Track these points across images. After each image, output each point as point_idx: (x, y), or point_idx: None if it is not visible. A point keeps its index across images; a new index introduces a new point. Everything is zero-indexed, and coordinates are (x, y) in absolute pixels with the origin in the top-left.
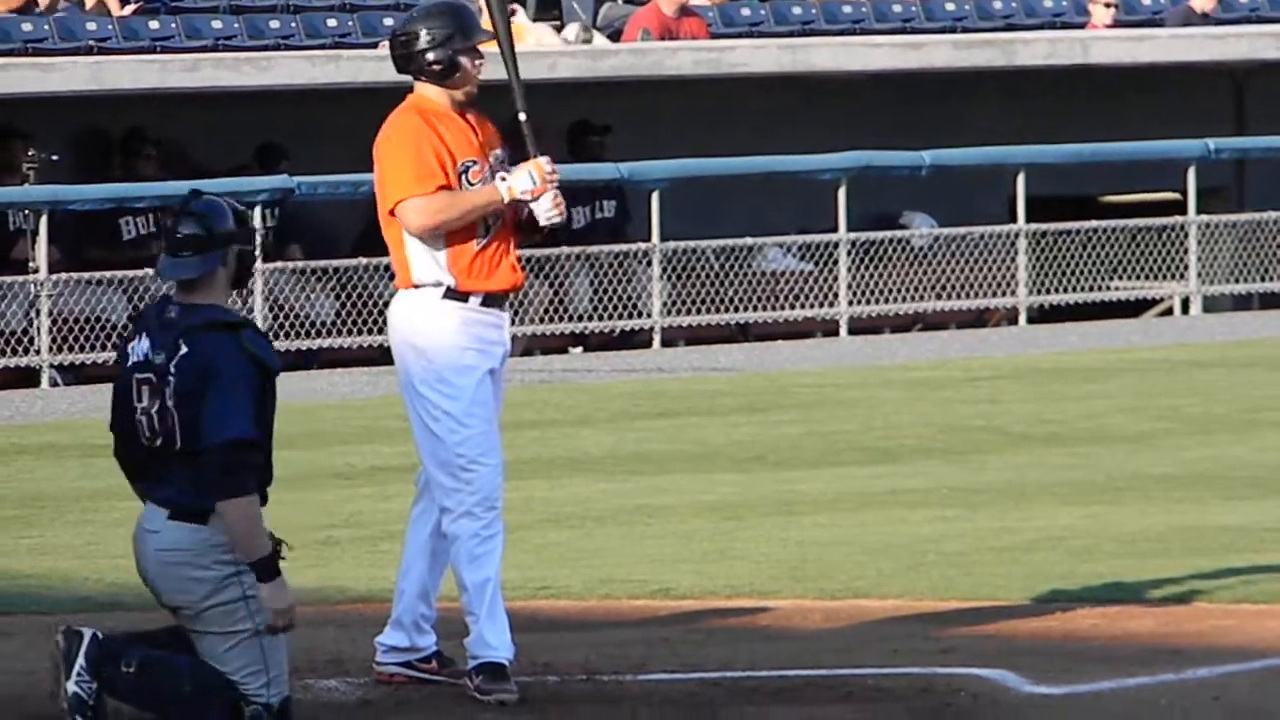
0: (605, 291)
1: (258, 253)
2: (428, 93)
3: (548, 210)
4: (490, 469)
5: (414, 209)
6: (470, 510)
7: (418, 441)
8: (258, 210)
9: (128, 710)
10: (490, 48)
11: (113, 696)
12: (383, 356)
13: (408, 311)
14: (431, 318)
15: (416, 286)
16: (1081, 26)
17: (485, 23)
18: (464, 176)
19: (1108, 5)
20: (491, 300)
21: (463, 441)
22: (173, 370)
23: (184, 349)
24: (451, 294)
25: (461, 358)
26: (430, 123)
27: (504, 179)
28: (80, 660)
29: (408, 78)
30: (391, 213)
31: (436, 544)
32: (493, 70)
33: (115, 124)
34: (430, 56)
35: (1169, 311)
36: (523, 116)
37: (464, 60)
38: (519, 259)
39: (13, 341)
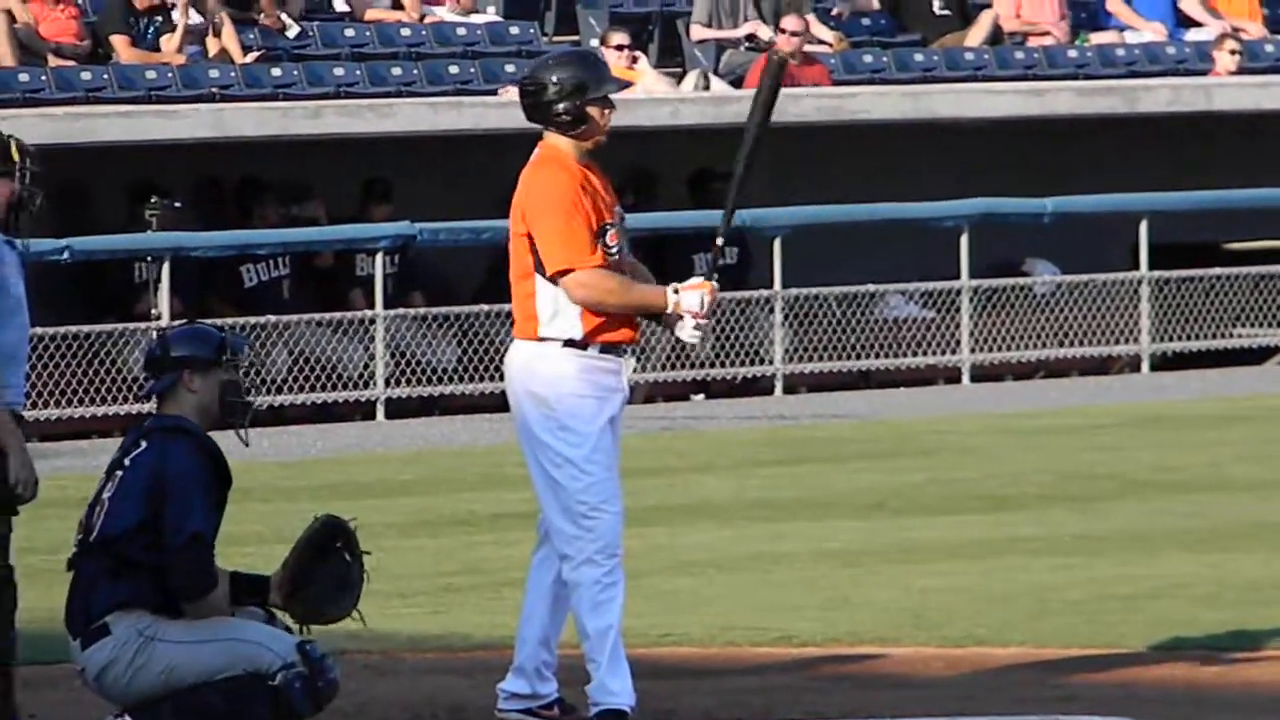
0: (727, 338)
1: (248, 390)
2: (558, 143)
3: (693, 333)
4: (612, 516)
5: (581, 283)
6: (591, 557)
7: (538, 489)
8: (379, 257)
9: None
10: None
11: None
12: (504, 403)
13: (526, 359)
14: (551, 364)
15: (541, 339)
16: (1205, 73)
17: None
18: (602, 239)
19: (1233, 52)
20: (610, 348)
21: (584, 489)
22: (127, 463)
23: (142, 445)
24: (572, 343)
25: (582, 405)
26: (575, 180)
27: (676, 290)
28: None
29: (536, 126)
30: (555, 276)
31: (558, 590)
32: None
33: (235, 171)
34: (560, 107)
35: None
36: (720, 242)
37: (593, 111)
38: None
39: (136, 388)
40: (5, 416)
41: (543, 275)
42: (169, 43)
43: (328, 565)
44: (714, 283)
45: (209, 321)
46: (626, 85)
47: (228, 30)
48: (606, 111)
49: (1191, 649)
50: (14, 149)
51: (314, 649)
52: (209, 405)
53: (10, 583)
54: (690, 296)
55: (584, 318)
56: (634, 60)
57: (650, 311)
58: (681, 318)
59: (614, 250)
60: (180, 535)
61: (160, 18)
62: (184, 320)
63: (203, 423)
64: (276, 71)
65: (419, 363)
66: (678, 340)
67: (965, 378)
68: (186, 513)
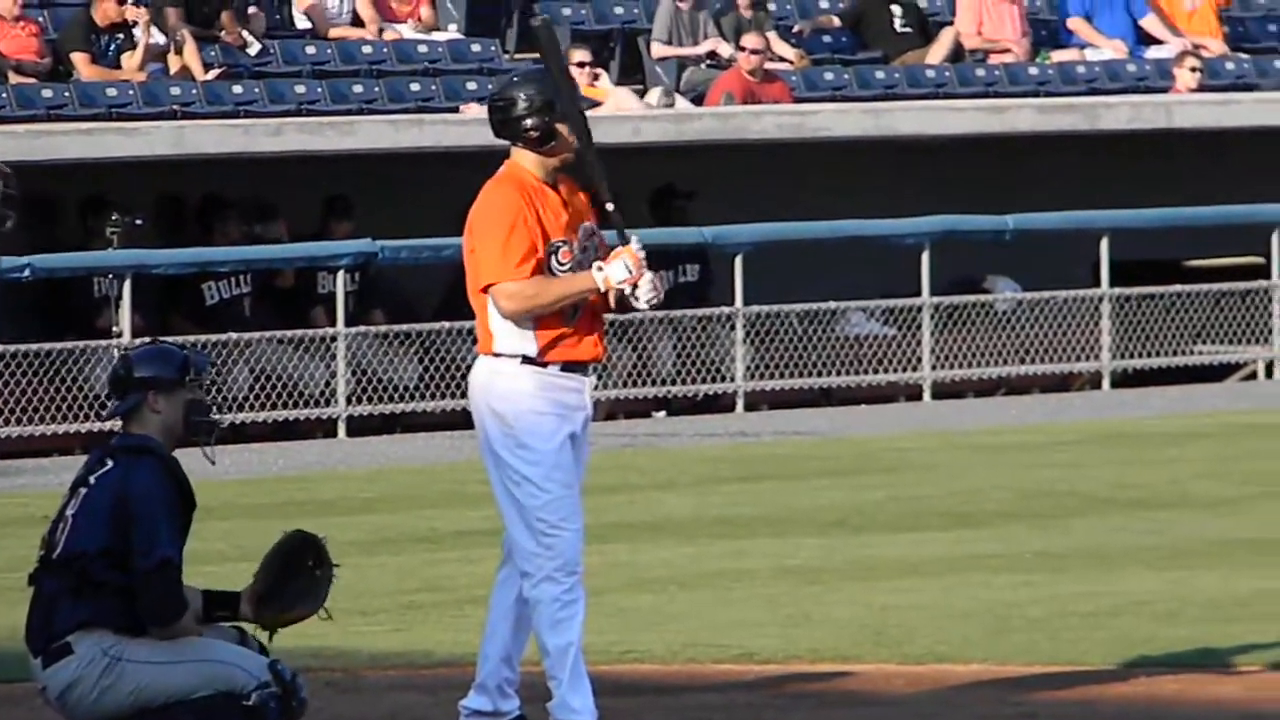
0: (688, 355)
1: (211, 408)
2: (523, 160)
3: (647, 294)
4: (571, 534)
5: (506, 294)
6: (551, 575)
7: (500, 506)
8: (340, 275)
9: None
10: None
11: None
12: (466, 420)
13: (487, 376)
14: (510, 381)
15: (497, 355)
16: (1165, 91)
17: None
18: (553, 256)
19: (1193, 70)
20: (572, 367)
21: (543, 506)
22: (91, 481)
23: (108, 465)
24: (529, 360)
25: (540, 422)
26: (527, 197)
27: (600, 269)
28: None
29: (500, 143)
30: (484, 290)
31: (520, 609)
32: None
33: (197, 188)
34: (528, 123)
35: (1253, 376)
36: (610, 207)
37: (561, 128)
38: (603, 333)
39: (97, 406)
40: None
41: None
42: (130, 60)
43: (297, 578)
44: (632, 244)
45: (171, 340)
46: (596, 104)
47: (189, 48)
48: (566, 130)
49: (1152, 666)
50: None
51: (285, 669)
52: (173, 425)
53: None
54: (614, 268)
55: (538, 334)
56: (595, 77)
57: (583, 296)
58: (632, 291)
59: (565, 266)
60: (148, 560)
61: (121, 35)
62: (146, 340)
63: (168, 442)
64: (238, 89)
65: (380, 380)
66: (635, 309)
67: (926, 394)
68: (153, 537)
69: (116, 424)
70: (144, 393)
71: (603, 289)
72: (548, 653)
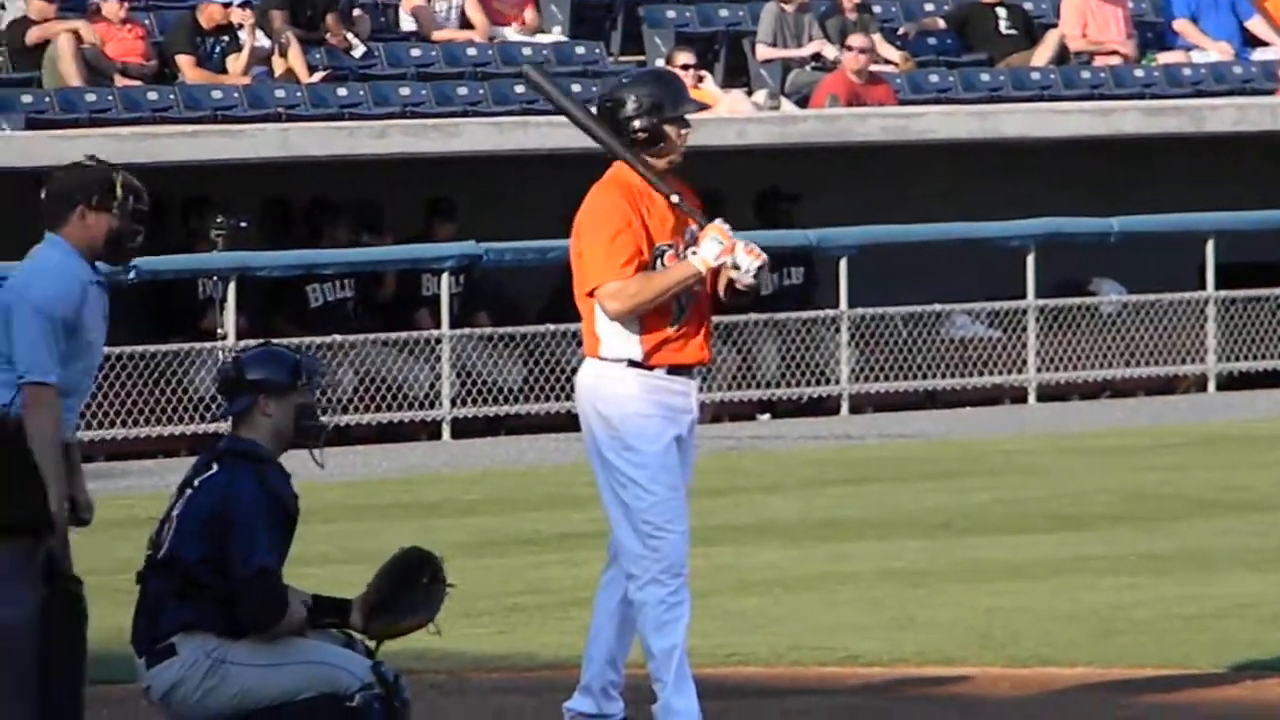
0: (793, 358)
1: (322, 411)
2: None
3: (748, 262)
4: (677, 536)
5: (610, 294)
6: (656, 577)
7: (606, 508)
8: (445, 277)
9: None
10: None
11: None
12: (570, 423)
13: (593, 379)
14: (616, 384)
15: (603, 359)
16: (1271, 93)
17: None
18: (659, 260)
19: None
20: (678, 370)
21: (649, 508)
22: (196, 484)
23: (213, 469)
24: (636, 364)
25: (646, 425)
26: (634, 201)
27: (694, 253)
28: None
29: (598, 145)
30: (590, 294)
31: (626, 610)
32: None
33: (300, 191)
34: (636, 124)
35: None
36: (675, 199)
37: (669, 130)
38: (709, 335)
39: (201, 408)
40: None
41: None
42: (235, 63)
43: (411, 592)
44: (715, 220)
45: (280, 342)
46: (704, 106)
47: (294, 50)
48: (683, 131)
49: (1259, 669)
50: (118, 184)
51: (388, 670)
52: (283, 429)
53: (79, 599)
54: (707, 246)
55: (644, 338)
56: (700, 79)
57: (685, 285)
58: (735, 270)
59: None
60: (246, 567)
61: (226, 38)
62: (259, 341)
63: (276, 447)
64: (342, 91)
65: (485, 382)
66: (757, 281)
67: (1031, 397)
68: (252, 546)
69: (225, 425)
70: (255, 395)
71: (703, 271)
72: (653, 655)
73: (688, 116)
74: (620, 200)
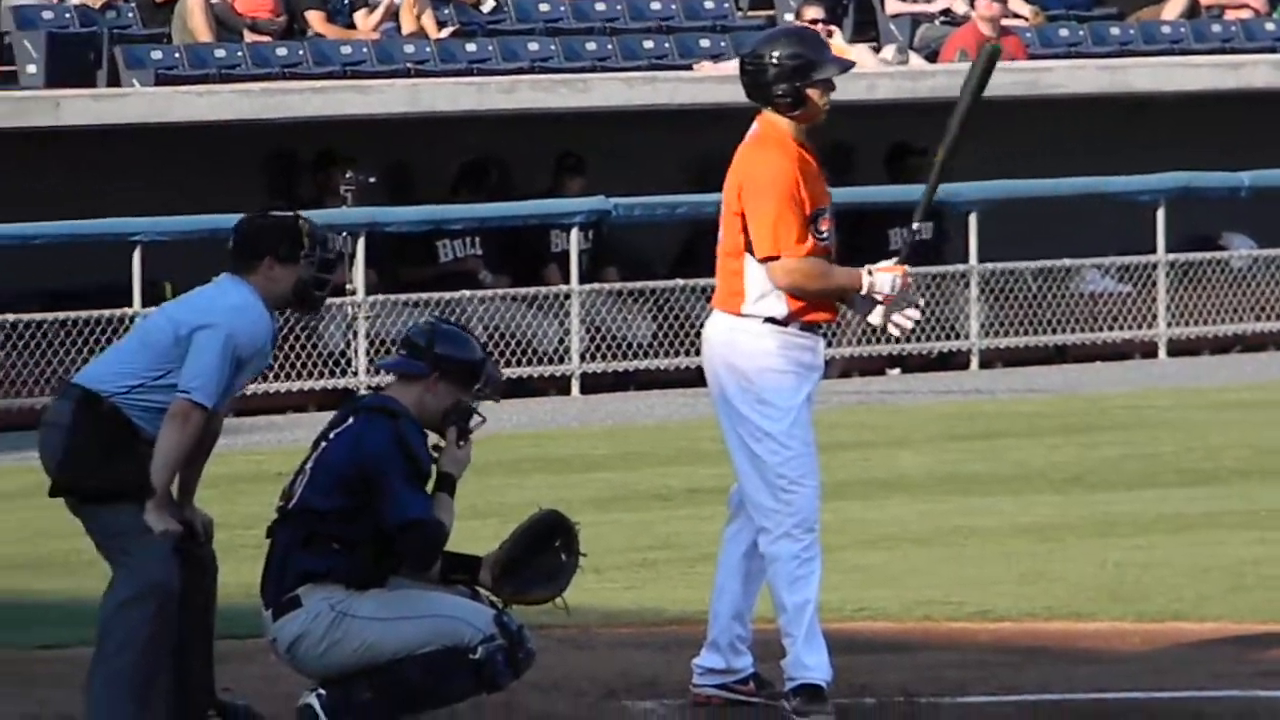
0: (923, 313)
1: (478, 416)
2: (777, 121)
3: (898, 323)
4: (809, 490)
5: (786, 269)
6: (789, 531)
7: (736, 463)
8: (574, 233)
9: None
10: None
11: None
12: (699, 378)
13: (727, 332)
14: (753, 339)
15: (743, 315)
16: None
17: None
18: (814, 225)
19: None
20: (809, 327)
21: (784, 463)
22: (331, 437)
23: (349, 421)
24: (773, 320)
25: (782, 380)
26: (796, 163)
27: (870, 272)
28: None
29: (734, 100)
30: (764, 261)
31: (750, 565)
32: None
33: (425, 147)
34: (780, 89)
35: None
36: (916, 226)
37: (812, 93)
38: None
39: (331, 363)
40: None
41: (753, 256)
42: (364, 19)
43: (544, 555)
44: (905, 266)
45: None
46: (849, 66)
47: (423, 6)
48: (826, 94)
49: None
50: (304, 236)
51: (511, 621)
52: (433, 413)
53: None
54: (882, 279)
55: (789, 299)
56: (829, 35)
57: (846, 294)
58: (873, 302)
59: (824, 236)
60: (392, 521)
61: None
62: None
63: (419, 419)
64: (471, 47)
65: (614, 337)
66: (869, 324)
67: (1162, 352)
68: (395, 500)
69: (355, 381)
70: (433, 372)
71: (864, 291)
72: (784, 609)
73: (834, 79)
74: (787, 164)
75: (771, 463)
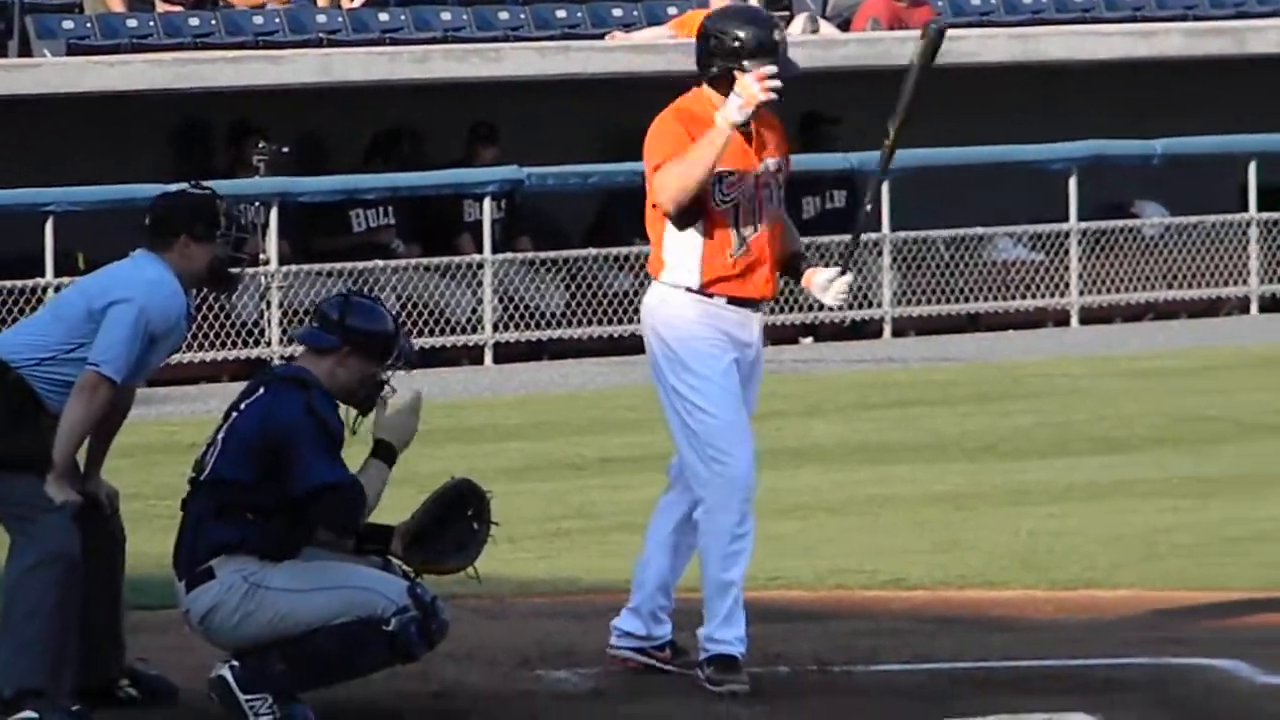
0: (855, 279)
1: (389, 387)
2: (710, 94)
3: (835, 294)
4: (741, 461)
5: (658, 186)
6: (723, 503)
7: (671, 430)
8: (487, 202)
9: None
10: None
11: (286, 696)
12: (612, 347)
13: (656, 301)
14: (675, 308)
15: (663, 284)
16: None
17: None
18: (717, 186)
19: None
20: (738, 302)
21: (712, 432)
22: (242, 408)
23: (259, 392)
24: (692, 290)
25: (702, 347)
26: (689, 126)
27: (720, 113)
28: (241, 696)
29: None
30: (653, 206)
31: (680, 539)
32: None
33: (336, 116)
34: (712, 66)
35: None
36: (868, 206)
37: (743, 79)
38: (775, 269)
39: (244, 334)
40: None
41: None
42: None
43: (456, 524)
44: (752, 75)
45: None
46: (793, 72)
47: None
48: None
49: None
50: (220, 214)
51: (425, 592)
52: (344, 385)
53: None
54: (729, 105)
55: (704, 268)
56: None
57: (716, 146)
58: (744, 112)
59: (729, 198)
60: (303, 487)
61: None
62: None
63: (331, 391)
64: (384, 16)
65: (527, 307)
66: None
67: (1074, 320)
68: (306, 470)
69: (268, 351)
70: (344, 345)
71: (725, 126)
72: (710, 582)
73: (770, 73)
74: (677, 126)
75: (700, 432)
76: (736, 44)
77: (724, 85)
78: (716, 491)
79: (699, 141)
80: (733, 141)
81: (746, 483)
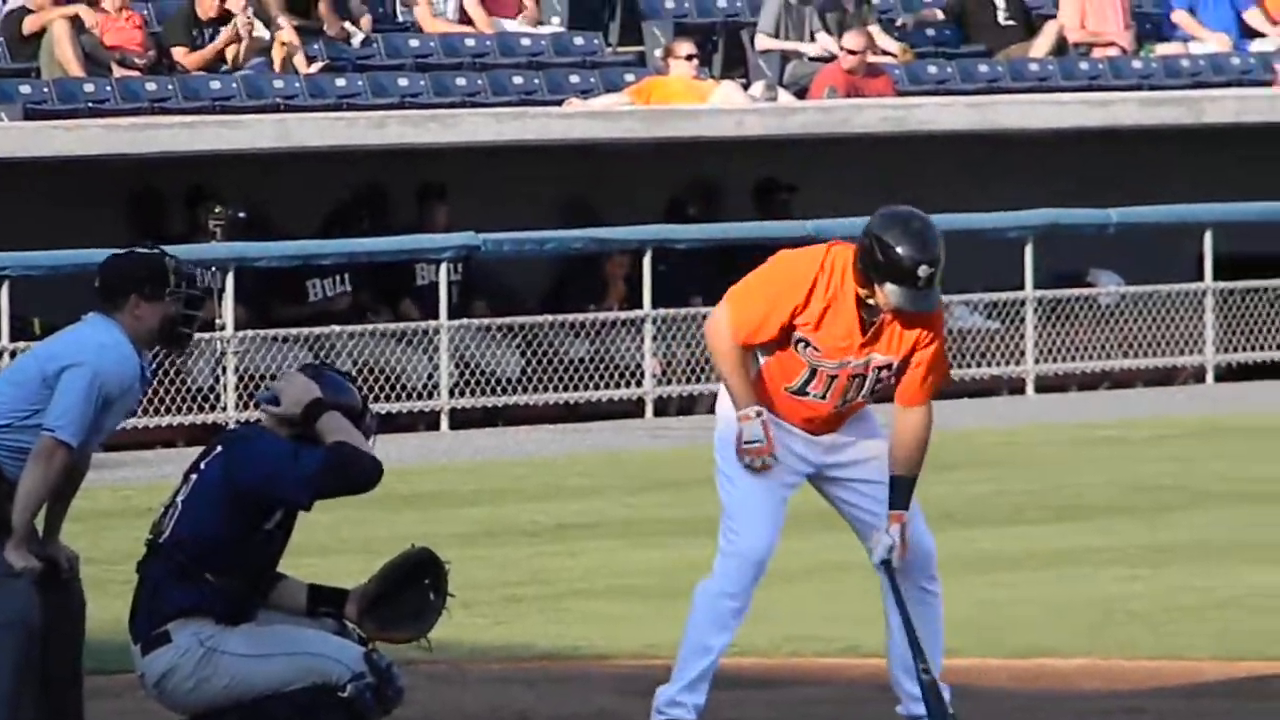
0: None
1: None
2: (849, 258)
3: (879, 552)
4: (751, 539)
5: (715, 319)
6: (728, 574)
7: None
8: (443, 267)
9: None
10: None
11: None
12: (567, 414)
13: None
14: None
15: None
16: (1268, 84)
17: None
18: (801, 346)
19: None
20: (780, 422)
21: (731, 505)
22: (202, 467)
23: (217, 449)
24: None
25: (735, 419)
26: (816, 288)
27: (759, 417)
28: None
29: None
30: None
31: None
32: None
33: (297, 181)
34: (860, 263)
35: None
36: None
37: (876, 288)
38: (831, 426)
39: (199, 399)
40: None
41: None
42: (232, 53)
43: (412, 592)
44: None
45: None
46: (922, 307)
47: (291, 39)
48: (888, 299)
49: (1258, 660)
50: (169, 272)
51: (380, 658)
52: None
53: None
54: (754, 429)
55: (762, 373)
56: (693, 65)
57: (734, 399)
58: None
59: (807, 356)
60: (309, 489)
61: (224, 28)
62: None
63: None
64: (341, 82)
65: (483, 373)
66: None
67: (1030, 388)
68: (297, 478)
69: (223, 416)
70: (319, 416)
71: (740, 423)
72: (690, 643)
73: (903, 306)
74: (803, 277)
75: (724, 504)
76: (881, 258)
77: (863, 280)
78: (725, 561)
79: (737, 386)
80: (841, 323)
81: (754, 561)
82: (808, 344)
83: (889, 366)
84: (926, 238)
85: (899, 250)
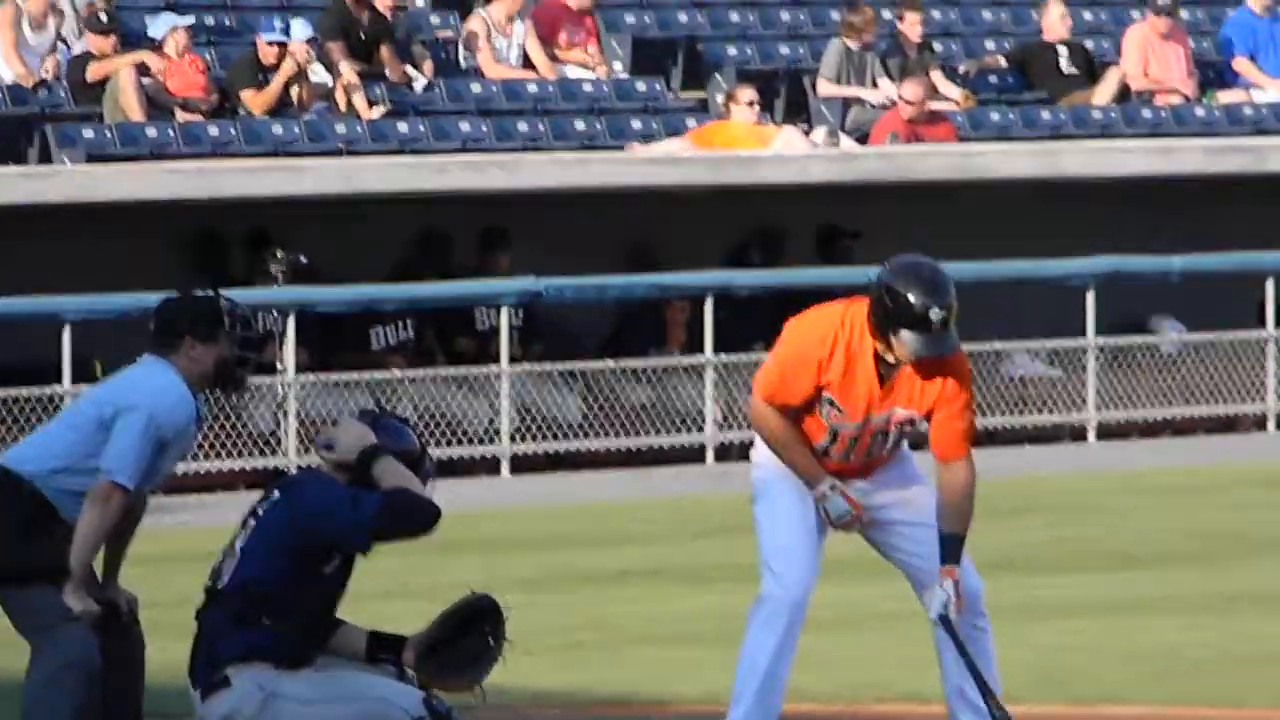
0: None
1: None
2: (865, 316)
3: (934, 607)
4: (787, 582)
5: (756, 407)
6: (768, 615)
7: None
8: (504, 312)
9: None
10: None
11: None
12: (628, 459)
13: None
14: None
15: None
16: None
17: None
18: (827, 406)
19: None
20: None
21: (762, 539)
22: (260, 513)
23: (275, 495)
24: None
25: (772, 479)
26: (837, 350)
27: (834, 488)
28: None
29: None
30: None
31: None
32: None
33: (361, 224)
34: (874, 315)
35: None
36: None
37: (899, 349)
38: (860, 474)
39: (260, 443)
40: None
41: None
42: (295, 94)
43: (469, 639)
44: (866, 512)
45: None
46: (940, 351)
47: (353, 83)
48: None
49: None
50: (223, 314)
51: (440, 704)
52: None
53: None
54: (838, 504)
55: (806, 428)
56: (756, 111)
57: (804, 478)
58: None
59: (829, 419)
60: (366, 530)
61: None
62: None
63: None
64: (403, 127)
65: (543, 418)
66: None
67: (1091, 435)
68: (355, 521)
69: (284, 461)
70: (373, 462)
71: (815, 499)
72: (746, 662)
73: (919, 353)
74: (825, 337)
75: (762, 547)
76: (892, 306)
77: (878, 333)
78: (765, 603)
79: (804, 462)
80: (863, 379)
81: (790, 603)
82: (832, 402)
83: (911, 421)
84: (936, 281)
85: (910, 296)
